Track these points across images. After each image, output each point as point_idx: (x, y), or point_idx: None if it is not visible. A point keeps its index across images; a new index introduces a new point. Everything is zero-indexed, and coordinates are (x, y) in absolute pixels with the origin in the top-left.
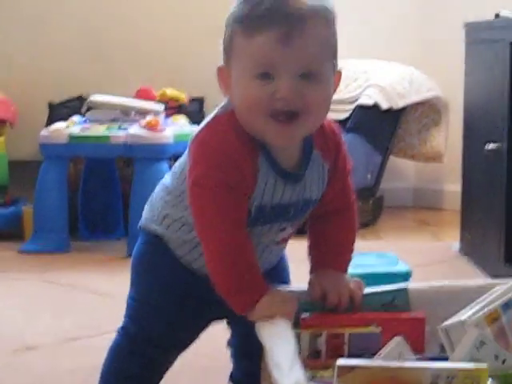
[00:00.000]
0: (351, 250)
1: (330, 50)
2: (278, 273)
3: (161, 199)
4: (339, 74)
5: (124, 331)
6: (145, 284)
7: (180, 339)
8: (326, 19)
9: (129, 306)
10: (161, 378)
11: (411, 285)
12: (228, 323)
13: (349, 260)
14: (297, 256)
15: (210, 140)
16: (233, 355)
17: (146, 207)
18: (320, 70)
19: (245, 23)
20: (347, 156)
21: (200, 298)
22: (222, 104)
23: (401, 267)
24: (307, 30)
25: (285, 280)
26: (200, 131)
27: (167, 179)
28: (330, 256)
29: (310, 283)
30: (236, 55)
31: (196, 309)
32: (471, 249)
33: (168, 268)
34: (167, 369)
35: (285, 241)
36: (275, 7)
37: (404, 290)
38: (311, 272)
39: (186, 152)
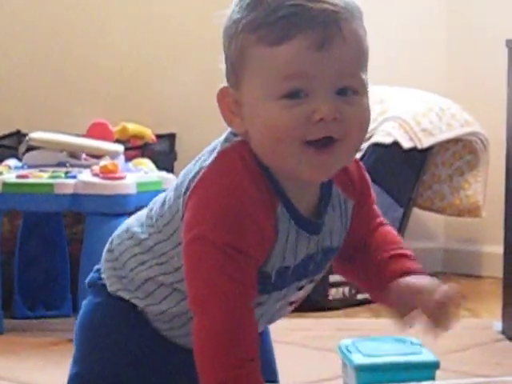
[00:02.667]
0: (406, 255)
1: (366, 58)
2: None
3: (132, 256)
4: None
5: None
6: (102, 359)
7: None
8: (361, 21)
9: None
10: None
11: (438, 383)
12: None
13: (408, 256)
14: None
15: (217, 189)
16: None
17: (107, 263)
18: (360, 83)
19: (264, 30)
20: (371, 189)
21: (165, 367)
22: (224, 137)
23: (426, 356)
24: (346, 31)
25: (267, 345)
26: (201, 177)
27: (136, 229)
28: (384, 269)
29: (395, 303)
30: (251, 71)
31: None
32: None
33: (128, 334)
34: None
35: (298, 302)
36: (303, 5)
37: None
38: (385, 287)
39: (167, 197)
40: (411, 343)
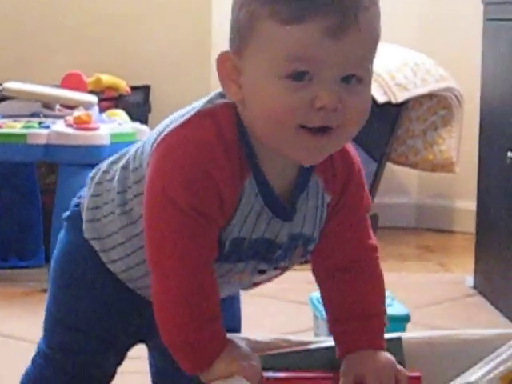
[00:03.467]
0: (382, 314)
1: (376, 47)
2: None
3: (107, 203)
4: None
5: (42, 360)
6: (66, 298)
7: (110, 366)
8: (378, 7)
9: (47, 327)
10: None
11: (407, 334)
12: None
13: (382, 328)
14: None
15: (188, 147)
16: None
17: (84, 200)
18: (366, 72)
19: (279, 5)
20: (364, 188)
21: (132, 312)
22: (208, 98)
23: (397, 309)
24: (362, 21)
25: (235, 311)
26: (171, 131)
27: (112, 175)
28: (356, 332)
29: (342, 373)
30: (259, 44)
31: (126, 323)
32: (488, 284)
33: (95, 276)
34: None
35: (261, 284)
36: None
37: (397, 341)
38: (339, 357)
39: (140, 146)
40: None
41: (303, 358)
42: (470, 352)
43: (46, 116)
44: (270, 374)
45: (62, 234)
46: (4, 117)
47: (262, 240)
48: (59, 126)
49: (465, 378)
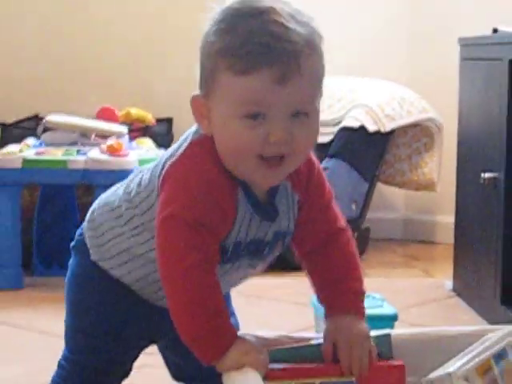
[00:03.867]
0: (356, 278)
1: (320, 86)
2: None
3: (110, 229)
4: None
5: (66, 363)
6: (82, 311)
7: (125, 363)
8: (320, 51)
9: (68, 336)
10: None
11: (395, 331)
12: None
13: (358, 291)
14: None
15: (189, 175)
16: None
17: (88, 231)
18: (311, 108)
19: (234, 59)
20: (324, 184)
21: (143, 319)
22: (194, 129)
23: (386, 309)
24: (303, 68)
25: (232, 309)
26: (175, 162)
27: (116, 203)
28: (334, 295)
29: (323, 337)
30: (220, 91)
31: (140, 329)
32: (465, 288)
33: (108, 293)
34: None
35: (251, 276)
36: (269, 43)
37: (386, 336)
38: (325, 319)
39: (143, 177)
40: (373, 298)
41: (305, 352)
42: (450, 346)
43: (83, 144)
44: (276, 366)
45: (71, 261)
46: (47, 145)
47: (253, 241)
48: (95, 153)
49: (444, 368)
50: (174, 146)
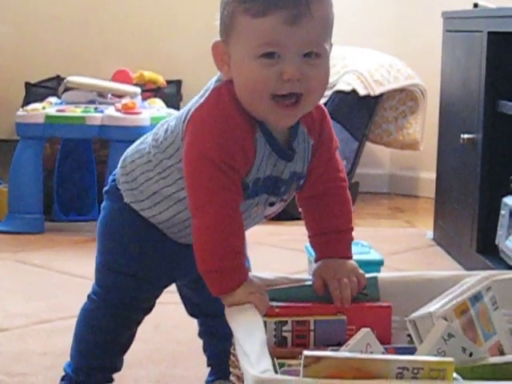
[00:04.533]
0: (349, 230)
1: (331, 28)
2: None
3: (142, 173)
4: (331, 46)
5: (96, 297)
6: (114, 251)
7: (150, 300)
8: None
9: (98, 272)
10: (131, 341)
11: (381, 274)
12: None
13: (349, 241)
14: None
15: (213, 116)
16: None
17: (121, 177)
18: (322, 48)
19: (249, 3)
20: (332, 133)
21: (168, 259)
22: (216, 77)
23: (373, 255)
24: (314, 11)
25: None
26: (198, 108)
27: (145, 150)
28: (327, 243)
29: (313, 275)
30: (238, 34)
31: (164, 269)
32: (444, 238)
33: (138, 234)
34: (135, 331)
35: (271, 215)
36: None
37: (374, 279)
38: (315, 261)
39: (170, 124)
40: (361, 245)
41: (300, 292)
42: (431, 289)
43: (100, 103)
44: (275, 304)
45: (104, 204)
46: (67, 103)
47: (271, 177)
48: (111, 111)
49: (425, 309)
50: (199, 95)
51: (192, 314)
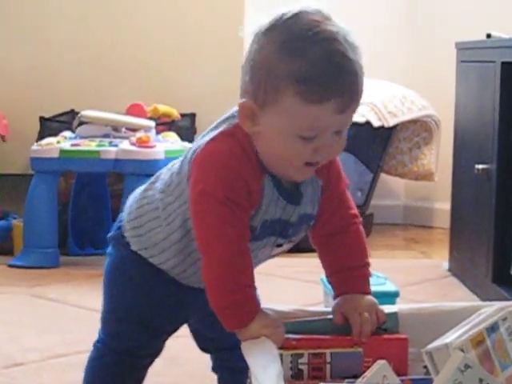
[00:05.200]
0: (366, 265)
1: None
2: None
3: (150, 220)
4: None
5: (101, 345)
6: (120, 299)
7: (157, 346)
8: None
9: (104, 320)
10: (143, 378)
11: (398, 307)
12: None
13: (367, 277)
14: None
15: (219, 155)
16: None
17: (128, 223)
18: (349, 125)
19: (304, 88)
20: (341, 172)
21: (177, 305)
22: (224, 117)
23: (389, 287)
24: (359, 95)
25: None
26: (205, 145)
27: (153, 195)
28: (345, 280)
29: (332, 311)
30: (282, 110)
31: (172, 316)
32: (460, 268)
33: (146, 281)
34: (146, 373)
35: (278, 255)
36: (337, 76)
37: (394, 315)
38: (334, 299)
39: (176, 165)
40: (377, 276)
41: (317, 325)
42: (447, 320)
43: (114, 137)
44: (291, 336)
45: (109, 250)
46: (82, 138)
47: (279, 221)
48: (125, 145)
49: (442, 340)
50: (202, 135)
51: (204, 348)
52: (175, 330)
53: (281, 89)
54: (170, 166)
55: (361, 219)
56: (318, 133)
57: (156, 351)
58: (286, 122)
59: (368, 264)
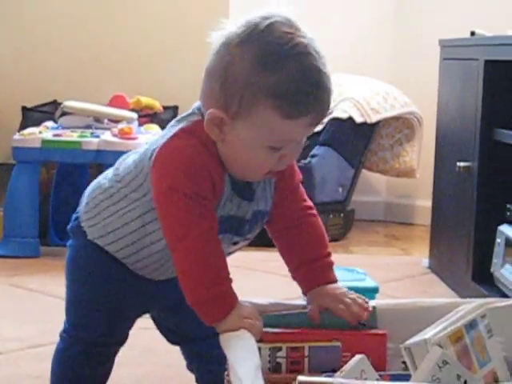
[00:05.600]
0: (327, 255)
1: None
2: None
3: (104, 209)
4: None
5: (67, 335)
6: (81, 287)
7: (122, 334)
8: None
9: (68, 310)
10: (109, 372)
11: (377, 302)
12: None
13: (331, 266)
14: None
15: (183, 150)
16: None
17: (84, 214)
18: None
19: (283, 104)
20: (294, 166)
21: (135, 293)
22: (178, 117)
23: (368, 282)
24: (329, 108)
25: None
26: (167, 141)
27: (107, 185)
28: (310, 273)
29: (308, 308)
30: (254, 123)
31: (132, 303)
32: (440, 265)
33: (104, 269)
34: (113, 363)
35: (233, 253)
36: (312, 92)
37: (373, 310)
38: (304, 294)
39: (133, 159)
40: (357, 272)
41: (295, 319)
42: (426, 316)
43: (96, 128)
44: (269, 330)
45: (69, 242)
46: (64, 128)
47: (234, 217)
48: (107, 136)
49: (420, 336)
50: (162, 133)
51: (172, 341)
52: (138, 316)
53: (256, 102)
54: (125, 157)
55: (315, 211)
56: (286, 144)
57: (121, 339)
58: (258, 134)
59: (329, 254)
